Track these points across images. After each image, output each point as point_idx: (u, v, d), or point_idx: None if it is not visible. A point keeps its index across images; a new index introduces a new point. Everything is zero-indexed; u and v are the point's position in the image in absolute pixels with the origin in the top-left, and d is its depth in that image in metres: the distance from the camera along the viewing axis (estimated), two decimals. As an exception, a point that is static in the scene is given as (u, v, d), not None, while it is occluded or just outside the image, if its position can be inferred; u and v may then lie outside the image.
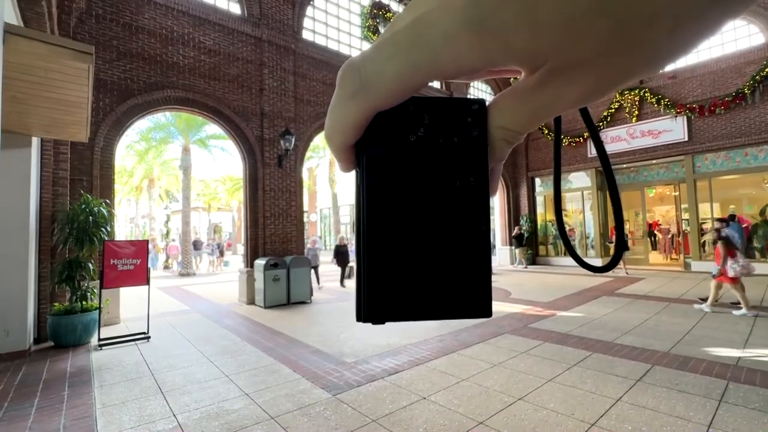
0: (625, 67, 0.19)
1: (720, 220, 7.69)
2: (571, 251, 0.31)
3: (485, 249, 0.24)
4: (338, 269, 11.17)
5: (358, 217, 0.24)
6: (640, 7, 0.17)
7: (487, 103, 0.25)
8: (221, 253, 18.77)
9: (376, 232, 0.24)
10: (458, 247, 0.24)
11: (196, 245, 18.52)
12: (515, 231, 15.24)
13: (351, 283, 10.53)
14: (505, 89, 0.23)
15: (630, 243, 14.83)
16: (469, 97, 0.24)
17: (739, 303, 6.12)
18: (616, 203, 0.28)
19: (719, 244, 6.27)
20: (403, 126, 0.24)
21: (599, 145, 0.28)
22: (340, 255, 11.11)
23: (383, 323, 0.24)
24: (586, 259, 0.30)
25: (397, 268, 0.24)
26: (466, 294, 0.24)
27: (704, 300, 6.62)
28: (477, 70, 0.22)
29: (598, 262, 13.40)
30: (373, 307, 0.24)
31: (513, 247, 14.63)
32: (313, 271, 9.73)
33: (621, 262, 12.40)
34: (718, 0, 0.17)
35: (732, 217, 7.76)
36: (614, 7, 0.17)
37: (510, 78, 0.24)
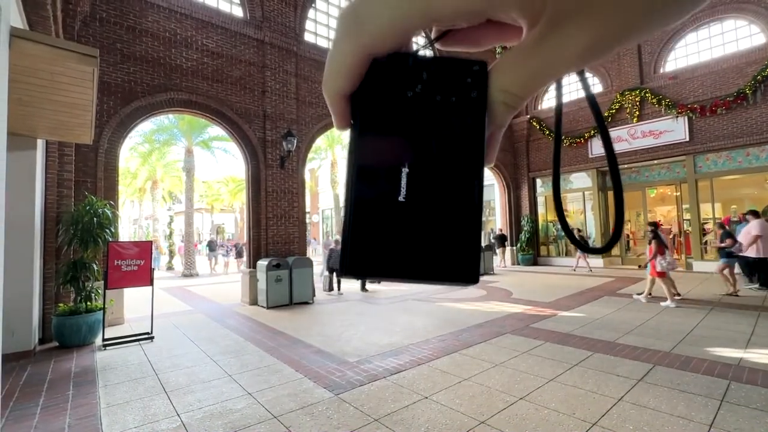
0: (625, 20, 0.18)
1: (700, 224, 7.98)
2: (569, 235, 0.32)
3: (476, 212, 0.24)
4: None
5: (348, 171, 0.24)
6: None
7: (489, 66, 0.24)
8: (239, 254, 18.42)
9: (364, 187, 0.24)
10: (447, 207, 0.23)
11: (212, 246, 18.42)
12: (497, 232, 15.34)
13: (373, 287, 10.24)
14: (506, 51, 0.23)
15: (631, 243, 14.80)
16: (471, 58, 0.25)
17: (674, 295, 6.94)
18: (617, 188, 0.27)
19: (653, 243, 6.98)
20: (401, 81, 0.24)
21: (605, 135, 0.28)
22: None
23: (364, 278, 0.24)
24: (588, 260, 0.30)
25: (382, 224, 0.23)
26: (452, 258, 0.23)
27: (640, 294, 7.52)
28: (475, 15, 0.21)
29: (599, 262, 13.39)
30: (356, 261, 0.23)
31: (496, 248, 14.67)
32: (334, 274, 9.58)
33: (585, 260, 12.96)
34: None
35: (755, 213, 7.89)
36: None
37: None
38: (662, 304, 6.92)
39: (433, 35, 0.26)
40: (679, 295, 7.13)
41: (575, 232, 14.35)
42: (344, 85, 0.24)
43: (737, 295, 7.47)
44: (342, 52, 0.23)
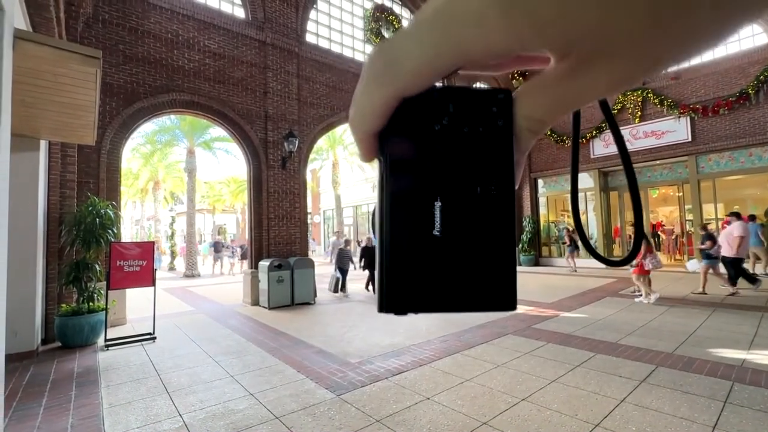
0: (659, 54, 0.19)
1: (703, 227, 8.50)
2: (588, 248, 0.31)
3: (510, 242, 0.24)
4: (364, 273, 10.32)
5: (380, 207, 0.24)
6: None
7: (513, 94, 0.24)
8: (243, 256, 18.23)
9: (398, 222, 0.23)
10: (483, 239, 0.24)
11: (217, 247, 18.30)
12: None
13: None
14: (531, 78, 0.23)
15: (659, 243, 14.74)
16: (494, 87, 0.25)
17: (643, 293, 7.33)
18: (635, 194, 0.28)
19: (643, 243, 6.73)
20: (428, 115, 0.24)
21: (618, 137, 0.28)
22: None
23: (405, 314, 0.24)
24: (588, 260, 0.30)
25: (419, 258, 0.23)
26: (490, 287, 0.23)
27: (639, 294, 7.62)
28: (506, 54, 0.21)
29: (700, 266, 13.27)
30: (395, 297, 0.23)
31: None
32: (339, 273, 9.23)
33: (572, 260, 13.13)
34: None
35: (737, 215, 8.15)
36: None
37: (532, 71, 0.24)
38: (636, 300, 7.38)
39: None
40: (653, 293, 7.43)
41: (566, 232, 14.29)
42: (374, 125, 0.24)
43: (707, 293, 7.78)
44: (372, 95, 0.23)
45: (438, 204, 0.24)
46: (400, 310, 0.24)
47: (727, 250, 7.82)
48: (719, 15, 0.17)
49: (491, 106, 0.24)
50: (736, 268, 7.87)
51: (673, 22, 0.17)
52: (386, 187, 0.24)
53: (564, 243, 14.10)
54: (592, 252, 0.32)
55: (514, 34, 0.20)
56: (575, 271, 12.70)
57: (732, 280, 7.89)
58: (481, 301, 0.23)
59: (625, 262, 0.30)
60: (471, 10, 0.20)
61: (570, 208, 0.33)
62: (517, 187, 0.26)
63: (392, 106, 0.23)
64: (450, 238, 0.24)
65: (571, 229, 14.53)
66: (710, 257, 7.79)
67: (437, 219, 0.24)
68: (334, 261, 10.04)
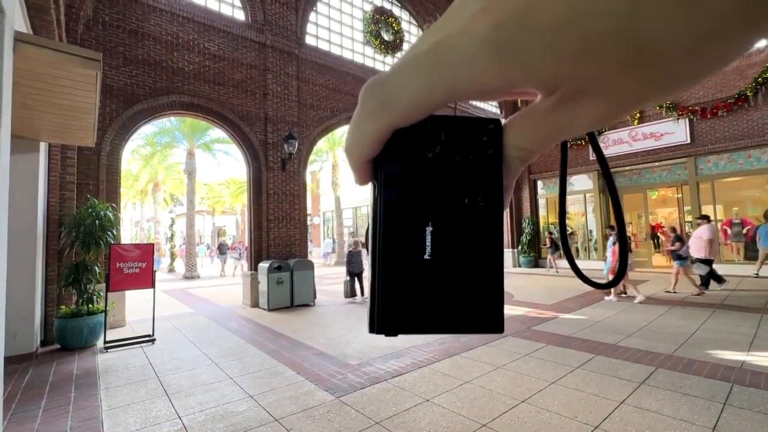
0: (638, 93, 0.20)
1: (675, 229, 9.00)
2: (574, 268, 0.32)
3: (498, 265, 0.24)
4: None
5: (373, 230, 0.25)
6: (658, 33, 0.17)
7: (502, 123, 0.25)
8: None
9: (390, 246, 0.24)
10: (471, 262, 0.24)
11: (222, 249, 18.25)
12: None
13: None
14: (521, 110, 0.24)
15: (633, 245, 14.77)
16: (485, 117, 0.26)
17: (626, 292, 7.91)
18: (620, 222, 0.29)
19: (617, 245, 7.38)
20: (421, 143, 0.25)
21: (604, 166, 0.30)
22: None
23: (396, 335, 0.24)
24: (589, 262, 0.31)
25: (409, 282, 0.24)
26: (478, 309, 0.24)
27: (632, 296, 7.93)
28: (495, 92, 0.23)
29: (600, 264, 13.38)
30: (387, 319, 0.24)
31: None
32: (356, 279, 8.73)
33: (554, 262, 13.70)
34: (742, 26, 0.16)
35: (707, 218, 8.60)
36: (632, 35, 0.17)
37: (518, 100, 0.25)
38: (606, 298, 7.94)
39: None
40: (620, 293, 8.08)
41: (547, 235, 14.53)
42: (368, 153, 0.25)
43: (676, 292, 8.29)
44: (366, 126, 0.24)
45: (429, 229, 0.24)
46: (391, 331, 0.24)
47: (695, 251, 8.19)
48: (695, 62, 0.18)
49: (482, 135, 0.25)
50: (707, 266, 8.26)
51: (651, 70, 0.18)
52: (379, 212, 0.25)
53: (545, 246, 14.63)
54: (577, 272, 0.32)
55: (504, 75, 0.21)
56: (557, 272, 13.19)
57: (702, 279, 8.36)
58: (470, 323, 0.24)
59: (609, 285, 0.31)
60: (463, 53, 0.21)
61: (558, 223, 0.33)
62: (506, 209, 0.27)
63: (385, 136, 0.24)
64: (440, 263, 0.24)
65: (554, 235, 14.62)
66: (680, 258, 8.19)
67: (428, 243, 0.24)
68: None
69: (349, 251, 9.05)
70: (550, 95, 0.21)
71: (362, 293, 8.73)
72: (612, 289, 7.69)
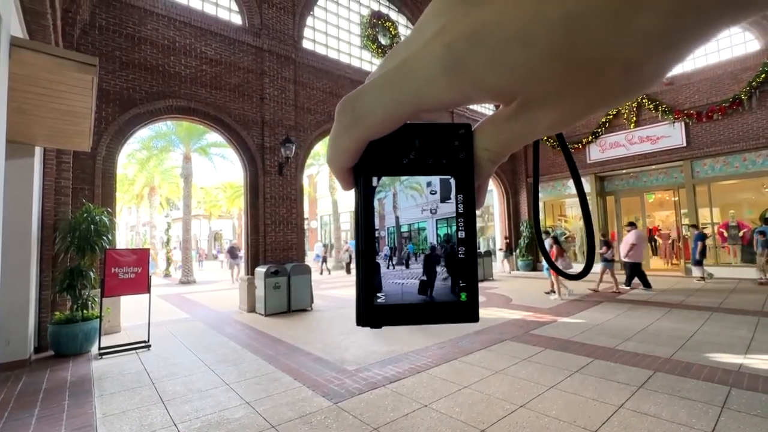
0: (585, 103, 0.21)
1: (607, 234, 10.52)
2: (546, 258, 0.35)
3: (472, 260, 0.27)
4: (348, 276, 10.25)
5: (356, 232, 0.27)
6: (591, 53, 0.19)
7: (473, 128, 0.27)
8: None
9: (370, 245, 0.26)
10: (447, 258, 0.26)
11: (233, 253, 16.45)
12: (504, 241, 15.49)
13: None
14: (488, 116, 0.26)
15: (571, 248, 14.94)
16: (456, 123, 0.28)
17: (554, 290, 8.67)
18: (586, 217, 0.31)
19: (554, 247, 8.75)
20: (396, 150, 0.27)
21: (572, 167, 0.31)
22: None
23: (380, 327, 0.26)
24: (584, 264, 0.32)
25: (390, 278, 0.26)
26: (454, 302, 0.26)
27: (552, 292, 8.87)
28: (456, 105, 0.25)
29: (599, 267, 13.46)
30: (371, 313, 0.26)
31: (505, 256, 15.17)
32: None
33: (507, 264, 14.47)
34: (667, 47, 0.18)
35: (633, 224, 9.74)
36: (570, 53, 0.19)
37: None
38: (551, 297, 8.60)
39: None
40: (554, 291, 8.87)
41: (504, 241, 15.04)
42: (347, 163, 0.27)
43: (620, 293, 9.14)
44: (343, 141, 0.27)
45: (407, 227, 0.27)
46: (376, 323, 0.26)
47: (624, 254, 9.36)
48: (631, 79, 0.20)
49: (454, 140, 0.27)
50: (633, 270, 9.37)
51: (591, 86, 0.20)
52: (360, 215, 0.27)
53: (501, 249, 15.25)
54: (551, 264, 0.34)
55: (458, 91, 0.23)
56: (510, 273, 14.03)
57: (628, 281, 9.53)
58: (447, 315, 0.26)
59: (580, 276, 0.35)
60: (422, 73, 0.23)
61: (532, 221, 0.35)
62: (480, 208, 0.30)
63: (361, 147, 0.27)
64: (417, 261, 0.27)
65: (573, 235, 14.72)
66: (606, 260, 9.35)
67: (405, 242, 0.27)
68: None
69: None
70: (509, 104, 0.24)
71: None
72: (556, 290, 8.66)
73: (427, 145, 0.27)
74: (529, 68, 0.20)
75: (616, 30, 0.18)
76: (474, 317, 0.26)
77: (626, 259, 9.31)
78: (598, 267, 9.42)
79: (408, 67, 0.24)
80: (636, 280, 9.37)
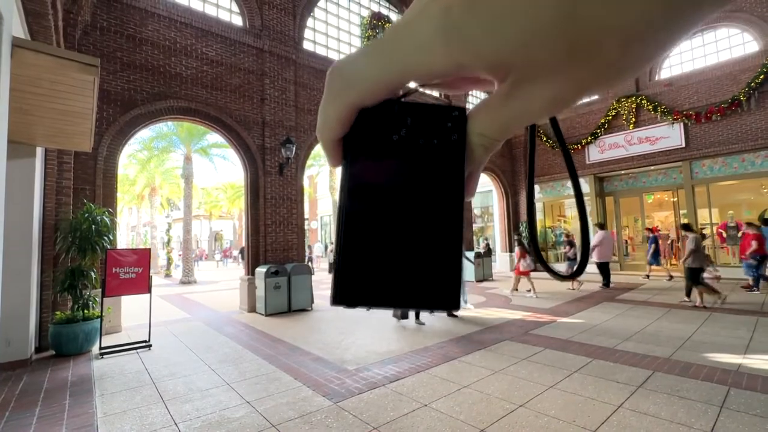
0: (580, 81, 0.21)
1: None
2: (539, 257, 0.34)
3: (456, 245, 0.25)
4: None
5: (339, 206, 0.26)
6: (591, 23, 0.19)
7: (467, 112, 0.26)
8: None
9: (352, 221, 0.25)
10: (430, 241, 0.25)
11: (244, 254, 17.56)
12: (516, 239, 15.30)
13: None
14: (482, 99, 0.26)
15: (630, 249, 14.86)
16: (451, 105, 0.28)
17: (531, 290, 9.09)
18: (581, 209, 0.31)
19: (518, 248, 9.39)
20: (387, 126, 0.26)
21: (566, 154, 0.31)
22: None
23: (354, 307, 0.25)
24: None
25: (369, 257, 0.25)
26: (435, 286, 0.25)
27: (518, 290, 9.62)
28: (447, 75, 0.24)
29: (564, 266, 13.46)
30: (346, 291, 0.25)
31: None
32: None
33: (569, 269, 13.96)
34: (666, 22, 0.18)
35: (602, 225, 10.65)
36: (569, 26, 0.19)
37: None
38: (528, 295, 9.05)
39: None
40: (535, 290, 9.25)
41: (484, 242, 15.03)
42: (335, 133, 0.27)
43: (574, 289, 9.91)
44: (332, 107, 0.26)
45: (390, 207, 0.25)
46: (351, 303, 0.25)
47: (595, 255, 10.05)
48: (627, 54, 0.20)
49: (446, 121, 0.26)
50: (600, 269, 10.13)
51: (583, 60, 0.20)
52: (344, 188, 0.26)
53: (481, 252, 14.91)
54: (544, 265, 0.33)
55: (451, 58, 0.22)
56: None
57: (607, 282, 10.18)
58: (427, 299, 0.25)
59: (574, 275, 0.34)
60: (416, 36, 0.23)
61: (526, 219, 0.36)
62: (471, 198, 0.28)
63: (350, 116, 0.26)
64: (400, 240, 0.25)
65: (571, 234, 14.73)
66: (569, 260, 10.25)
67: (389, 221, 0.25)
68: None
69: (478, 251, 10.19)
70: (502, 82, 0.23)
71: (417, 316, 6.73)
72: (512, 287, 9.56)
73: (419, 123, 0.26)
74: (528, 37, 0.20)
75: (619, 3, 0.18)
76: (454, 304, 0.25)
77: (594, 258, 9.91)
78: (564, 266, 10.27)
79: (402, 31, 0.23)
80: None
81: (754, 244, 8.35)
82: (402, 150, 0.26)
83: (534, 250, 0.34)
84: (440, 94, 12.90)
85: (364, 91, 0.25)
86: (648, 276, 11.68)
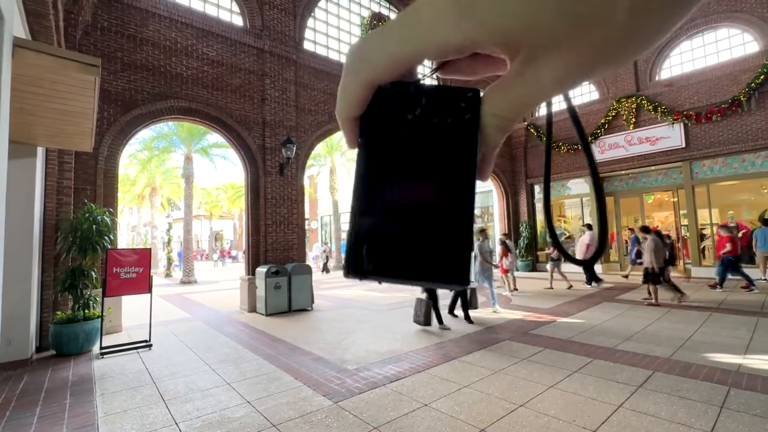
0: (589, 55, 0.22)
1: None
2: (557, 244, 0.36)
3: (467, 222, 0.25)
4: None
5: (354, 181, 0.27)
6: (597, 2, 0.19)
7: (481, 94, 0.27)
8: None
9: (365, 196, 0.26)
10: (441, 217, 0.25)
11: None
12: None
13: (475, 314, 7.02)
14: (495, 80, 0.26)
15: (629, 249, 14.86)
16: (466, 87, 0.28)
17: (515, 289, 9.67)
18: (600, 202, 0.32)
19: (500, 248, 9.58)
20: (402, 105, 0.27)
21: (587, 150, 0.32)
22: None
23: (366, 279, 0.26)
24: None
25: (382, 230, 0.26)
26: (444, 262, 0.25)
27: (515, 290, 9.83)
28: (461, 51, 0.25)
29: (597, 268, 13.47)
30: (359, 263, 0.26)
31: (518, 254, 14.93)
32: (428, 296, 6.11)
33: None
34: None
35: (590, 226, 11.01)
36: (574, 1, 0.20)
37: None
38: (503, 293, 9.35)
39: (433, 65, 0.30)
40: (516, 289, 9.87)
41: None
42: (353, 110, 0.28)
43: (553, 288, 10.23)
44: (350, 84, 0.27)
45: (404, 183, 0.26)
46: (363, 274, 0.26)
47: (579, 254, 10.32)
48: (635, 25, 0.20)
49: (460, 102, 0.26)
50: (587, 269, 10.04)
51: (592, 31, 0.21)
52: (361, 165, 0.27)
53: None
54: (568, 257, 0.35)
55: (464, 32, 0.23)
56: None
57: (589, 280, 10.57)
58: (436, 274, 0.25)
59: (591, 261, 0.35)
60: (430, 12, 0.24)
61: (543, 205, 0.37)
62: (485, 180, 0.30)
63: (367, 93, 0.27)
64: (411, 215, 0.26)
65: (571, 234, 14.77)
66: (553, 260, 10.50)
67: (401, 196, 0.26)
68: None
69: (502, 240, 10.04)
70: (513, 59, 0.24)
71: (440, 321, 6.16)
72: (505, 286, 9.71)
73: (433, 103, 0.27)
74: (538, 10, 0.21)
75: None
76: (463, 280, 0.25)
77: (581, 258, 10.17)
78: (548, 265, 10.59)
79: (418, 8, 0.24)
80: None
81: (728, 246, 9.12)
82: (416, 128, 0.27)
83: (554, 243, 0.36)
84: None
85: (380, 66, 0.26)
86: (627, 276, 11.97)
